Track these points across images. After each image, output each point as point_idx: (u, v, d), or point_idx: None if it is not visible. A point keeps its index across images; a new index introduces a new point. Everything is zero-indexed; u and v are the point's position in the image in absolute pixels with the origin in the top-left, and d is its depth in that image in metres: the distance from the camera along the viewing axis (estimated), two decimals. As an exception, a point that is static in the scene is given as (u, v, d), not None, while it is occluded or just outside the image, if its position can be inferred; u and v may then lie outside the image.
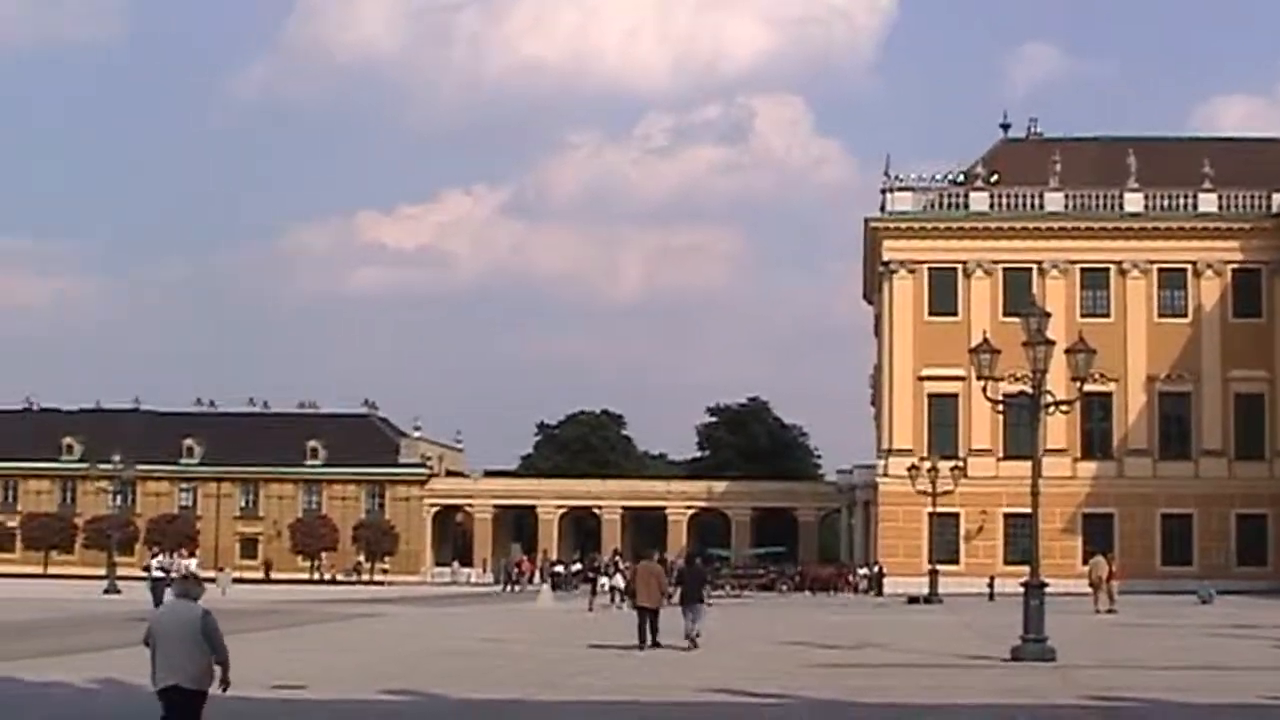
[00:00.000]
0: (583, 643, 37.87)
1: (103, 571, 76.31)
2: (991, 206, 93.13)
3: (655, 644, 35.11)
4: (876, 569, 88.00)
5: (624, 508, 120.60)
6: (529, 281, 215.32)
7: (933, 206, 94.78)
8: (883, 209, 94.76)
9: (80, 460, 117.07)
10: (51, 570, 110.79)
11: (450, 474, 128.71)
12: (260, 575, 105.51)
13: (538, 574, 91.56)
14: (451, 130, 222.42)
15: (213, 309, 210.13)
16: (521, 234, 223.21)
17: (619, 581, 58.03)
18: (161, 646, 14.62)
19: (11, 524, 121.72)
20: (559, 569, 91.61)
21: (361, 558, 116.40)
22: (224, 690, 14.71)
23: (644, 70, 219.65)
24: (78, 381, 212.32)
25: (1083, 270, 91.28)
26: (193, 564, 45.19)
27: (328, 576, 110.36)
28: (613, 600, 56.97)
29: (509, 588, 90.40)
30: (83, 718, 20.52)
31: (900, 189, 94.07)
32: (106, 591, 63.66)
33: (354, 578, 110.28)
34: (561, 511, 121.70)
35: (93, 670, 26.39)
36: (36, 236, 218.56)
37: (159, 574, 44.03)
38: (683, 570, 42.11)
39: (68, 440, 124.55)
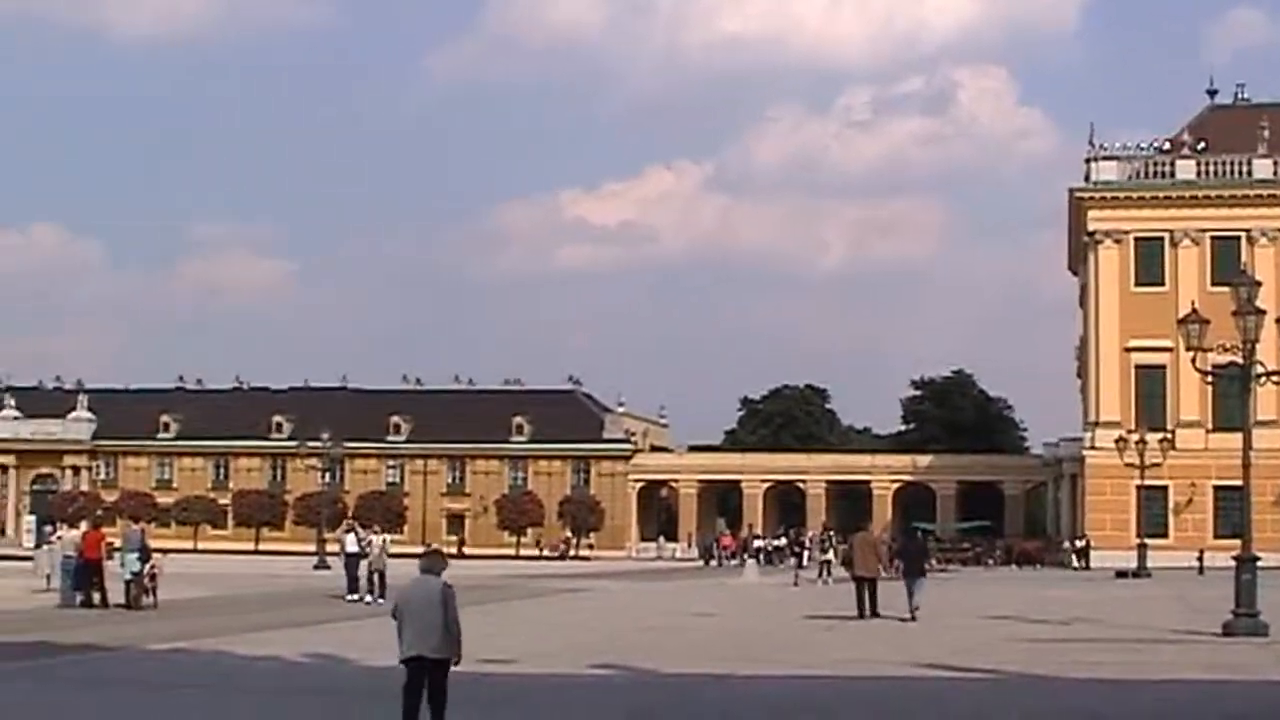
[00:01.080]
0: (787, 617, 37.89)
1: (312, 547, 77.76)
2: (1199, 174, 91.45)
3: (875, 614, 35.59)
4: (1083, 543, 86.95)
5: (828, 482, 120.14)
6: (732, 256, 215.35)
7: (1138, 175, 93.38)
8: (1087, 179, 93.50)
9: (289, 438, 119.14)
10: (262, 546, 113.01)
11: (655, 449, 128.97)
12: (467, 551, 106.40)
13: (740, 550, 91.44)
14: (653, 107, 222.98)
15: (419, 288, 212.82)
16: (724, 208, 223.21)
17: (830, 555, 58.02)
18: (407, 619, 15.23)
19: (223, 501, 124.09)
20: (763, 543, 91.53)
21: (568, 533, 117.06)
22: (455, 663, 15.32)
23: (844, 43, 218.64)
24: (286, 361, 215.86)
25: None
26: (385, 540, 45.18)
27: (533, 553, 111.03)
28: (820, 575, 56.79)
29: (712, 563, 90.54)
30: (294, 690, 20.86)
31: (1105, 158, 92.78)
32: (316, 567, 64.77)
33: (560, 553, 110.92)
34: (766, 486, 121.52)
35: (304, 644, 26.83)
36: (245, 219, 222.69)
37: (352, 550, 44.17)
38: (903, 543, 42.13)
39: (277, 419, 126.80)
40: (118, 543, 41.83)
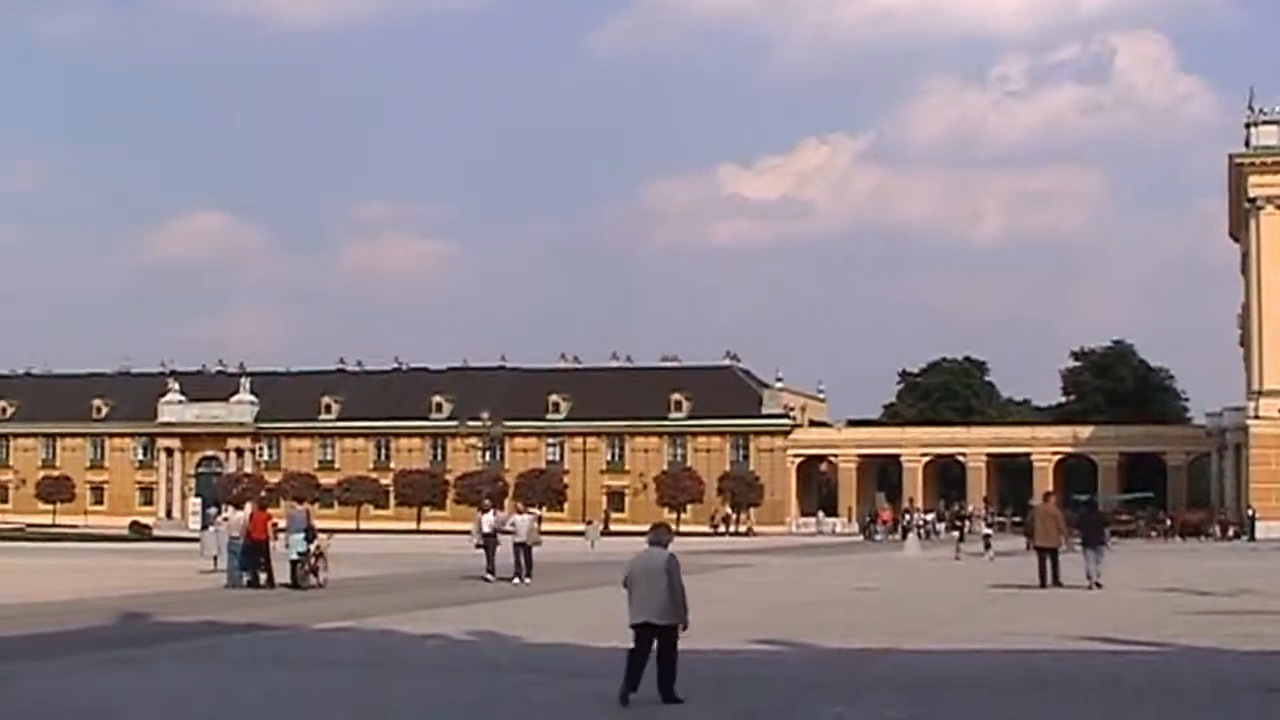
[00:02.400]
0: (951, 591, 37.65)
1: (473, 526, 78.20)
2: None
3: (1057, 583, 36.00)
4: (1249, 513, 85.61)
5: (988, 455, 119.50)
6: (889, 228, 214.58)
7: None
8: (1247, 144, 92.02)
9: (449, 418, 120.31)
10: (423, 525, 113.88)
11: (813, 424, 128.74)
12: (625, 528, 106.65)
13: (897, 524, 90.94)
14: (808, 80, 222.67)
15: (576, 266, 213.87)
16: (881, 181, 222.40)
17: (992, 530, 57.84)
18: (635, 587, 16.40)
19: (385, 481, 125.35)
20: (923, 518, 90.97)
21: (728, 509, 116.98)
22: (683, 630, 16.24)
23: (998, 12, 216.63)
24: (446, 341, 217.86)
25: None
26: (532, 518, 44.73)
27: (693, 529, 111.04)
28: (985, 549, 56.35)
29: (871, 537, 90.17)
30: (459, 668, 20.95)
31: (1265, 123, 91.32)
32: (478, 546, 65.07)
33: (721, 529, 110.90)
34: (925, 460, 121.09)
35: (467, 623, 26.95)
36: (403, 201, 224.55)
37: (488, 530, 43.64)
38: (1083, 514, 42.03)
39: (437, 399, 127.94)
40: (282, 523, 42.26)
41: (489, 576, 41.38)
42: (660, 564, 16.37)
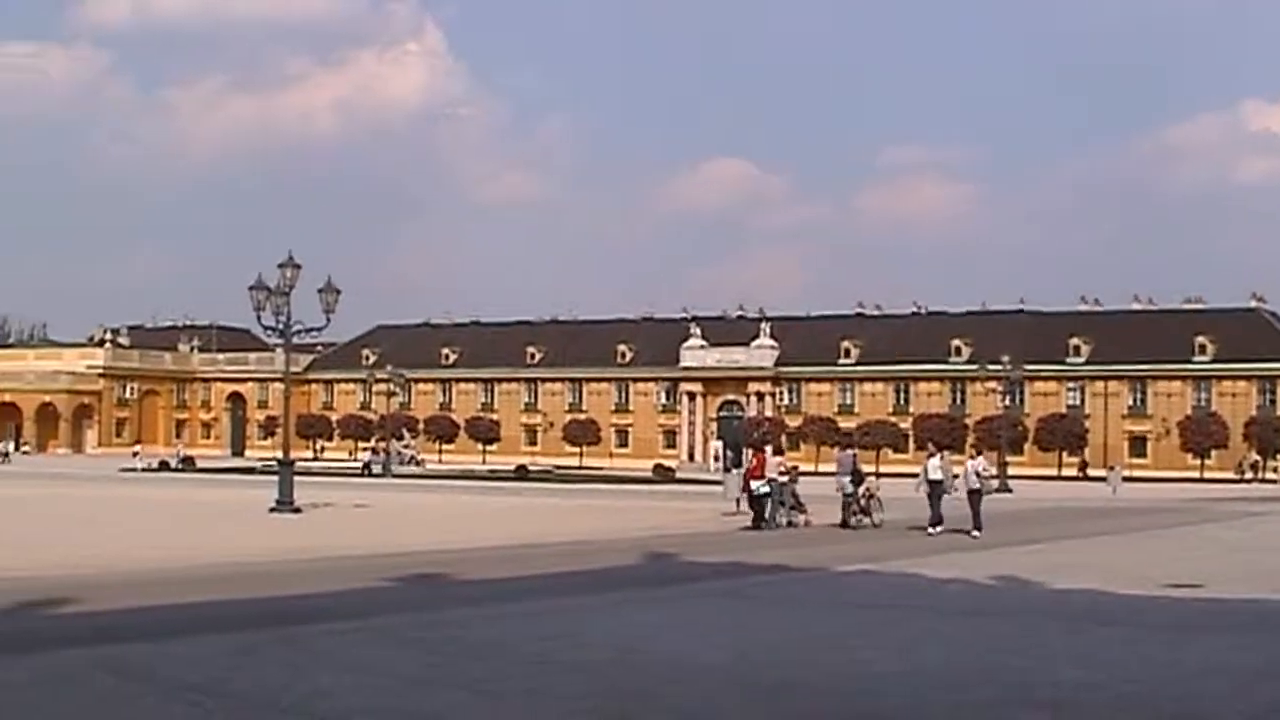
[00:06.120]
0: None
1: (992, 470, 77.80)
2: None
3: None
4: None
5: None
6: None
7: None
8: None
9: (969, 362, 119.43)
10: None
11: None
12: (1150, 474, 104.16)
13: None
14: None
15: (1099, 207, 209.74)
16: None
17: None
18: None
19: (904, 425, 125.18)
20: None
21: (1255, 455, 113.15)
22: None
23: None
24: (965, 284, 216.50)
25: None
26: (982, 464, 41.61)
27: (1217, 475, 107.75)
28: None
29: None
30: (981, 611, 20.85)
31: None
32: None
33: (1248, 476, 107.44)
34: None
35: (989, 567, 26.80)
36: (932, 143, 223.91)
37: (935, 476, 40.55)
38: None
39: (956, 342, 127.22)
40: (810, 467, 43.10)
41: (932, 530, 37.95)
42: None
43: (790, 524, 40.88)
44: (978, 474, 39.25)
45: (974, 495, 38.54)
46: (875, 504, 40.97)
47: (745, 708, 12.77)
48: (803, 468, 54.15)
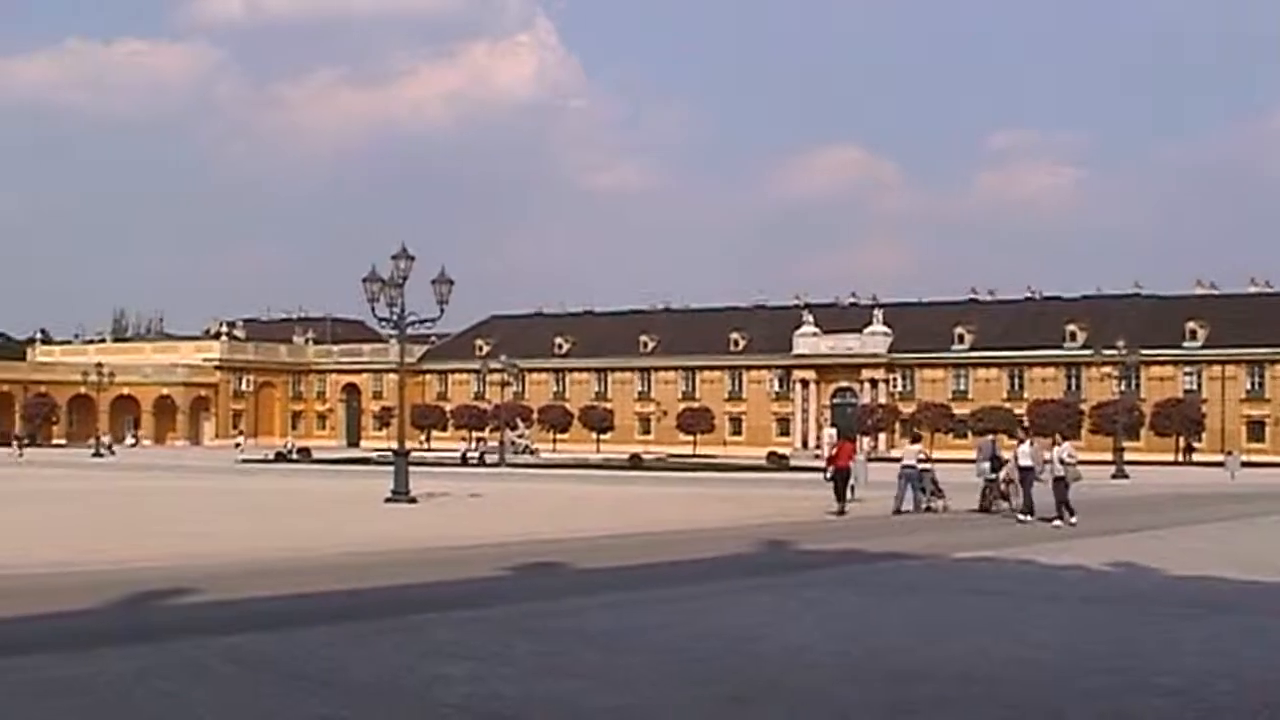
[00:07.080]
0: None
1: (1109, 457, 77.28)
2: None
3: None
4: None
5: None
6: None
7: None
8: None
9: (1083, 347, 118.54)
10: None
11: None
12: (1264, 459, 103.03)
13: None
14: None
15: (1214, 190, 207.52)
16: None
17: None
18: None
19: (1018, 411, 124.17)
20: None
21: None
22: None
23: None
24: (1078, 269, 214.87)
25: None
26: (1067, 450, 40.69)
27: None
28: None
29: None
30: (1095, 599, 20.71)
31: None
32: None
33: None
34: None
35: (1108, 554, 26.63)
36: (1045, 128, 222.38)
37: (1025, 463, 39.75)
38: None
39: (1070, 327, 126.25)
40: (897, 452, 43.32)
41: (1023, 518, 37.34)
42: None
43: (929, 509, 41.55)
44: (1063, 460, 37.56)
45: (1059, 483, 36.95)
46: (1013, 489, 40.05)
47: (864, 696, 12.75)
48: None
